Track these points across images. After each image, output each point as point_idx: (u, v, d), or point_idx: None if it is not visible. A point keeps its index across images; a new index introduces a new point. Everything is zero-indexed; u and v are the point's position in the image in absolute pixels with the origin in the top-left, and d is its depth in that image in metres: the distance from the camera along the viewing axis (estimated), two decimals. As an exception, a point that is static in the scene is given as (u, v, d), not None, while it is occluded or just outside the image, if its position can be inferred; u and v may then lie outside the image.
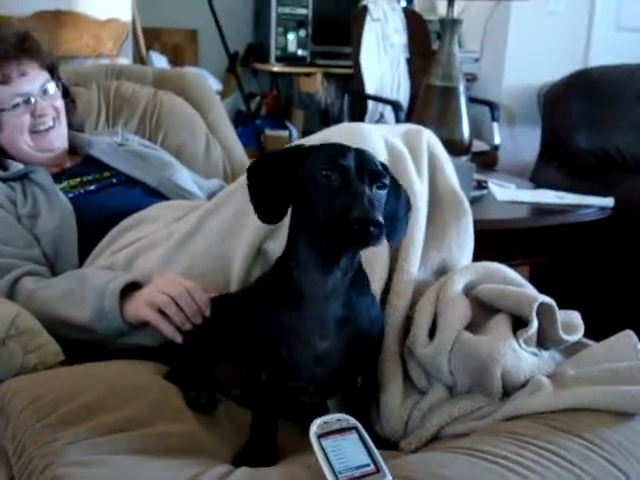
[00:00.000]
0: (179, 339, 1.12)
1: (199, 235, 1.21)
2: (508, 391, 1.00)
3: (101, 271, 1.28)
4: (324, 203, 0.86)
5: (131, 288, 1.18)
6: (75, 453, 0.86)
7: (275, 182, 0.92)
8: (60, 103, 1.57)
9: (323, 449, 0.80)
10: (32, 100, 1.49)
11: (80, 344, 1.20)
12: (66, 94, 1.63)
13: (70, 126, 1.63)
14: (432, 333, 1.05)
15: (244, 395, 1.06)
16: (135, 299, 1.17)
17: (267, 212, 0.93)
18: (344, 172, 0.87)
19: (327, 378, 0.98)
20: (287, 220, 0.95)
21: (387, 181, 0.91)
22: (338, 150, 0.90)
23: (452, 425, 1.00)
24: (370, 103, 3.41)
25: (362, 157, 0.90)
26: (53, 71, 1.58)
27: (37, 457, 0.87)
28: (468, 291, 1.11)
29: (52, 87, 1.55)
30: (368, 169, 0.89)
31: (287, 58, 3.98)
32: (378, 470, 0.80)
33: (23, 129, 1.50)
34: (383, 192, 0.91)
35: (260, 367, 0.96)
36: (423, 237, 1.14)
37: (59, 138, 1.57)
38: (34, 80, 1.51)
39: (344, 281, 0.93)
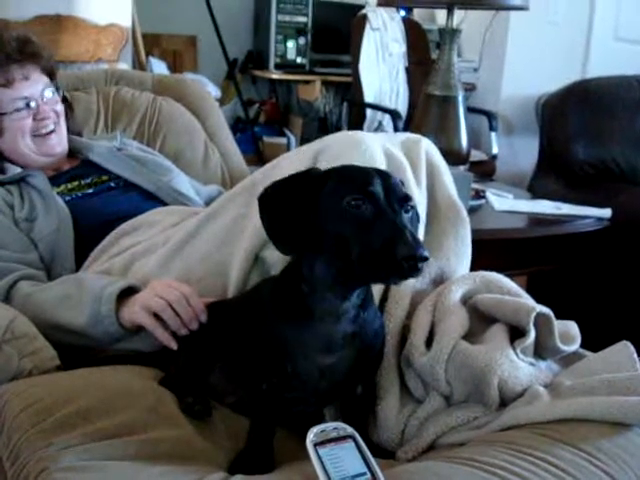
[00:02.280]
0: (173, 345, 1.11)
1: (197, 240, 1.21)
2: (505, 401, 1.00)
3: (98, 276, 1.27)
4: (359, 236, 0.82)
5: (128, 293, 1.18)
6: (70, 458, 0.86)
7: (293, 211, 0.87)
8: (60, 107, 1.58)
9: (320, 458, 0.80)
10: (34, 104, 1.49)
11: (75, 349, 1.19)
12: (64, 99, 1.64)
13: (68, 131, 1.63)
14: (429, 342, 1.05)
15: (239, 402, 1.05)
16: (131, 303, 1.16)
17: (287, 243, 0.89)
18: (374, 200, 0.83)
19: (330, 390, 0.97)
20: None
21: (413, 204, 0.88)
22: (363, 176, 0.86)
23: (449, 434, 1.00)
24: (369, 111, 3.42)
25: (388, 181, 0.86)
26: (52, 76, 1.59)
27: (31, 462, 0.87)
28: (466, 300, 1.11)
29: (52, 91, 1.55)
30: (395, 194, 0.86)
31: (286, 66, 4.00)
32: (375, 479, 0.80)
33: (25, 133, 1.50)
34: (409, 215, 0.88)
35: (262, 378, 0.95)
36: (421, 246, 1.14)
37: (60, 143, 1.57)
38: (35, 84, 1.51)
39: (357, 300, 0.92)
